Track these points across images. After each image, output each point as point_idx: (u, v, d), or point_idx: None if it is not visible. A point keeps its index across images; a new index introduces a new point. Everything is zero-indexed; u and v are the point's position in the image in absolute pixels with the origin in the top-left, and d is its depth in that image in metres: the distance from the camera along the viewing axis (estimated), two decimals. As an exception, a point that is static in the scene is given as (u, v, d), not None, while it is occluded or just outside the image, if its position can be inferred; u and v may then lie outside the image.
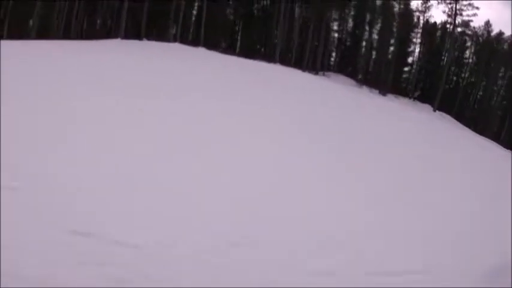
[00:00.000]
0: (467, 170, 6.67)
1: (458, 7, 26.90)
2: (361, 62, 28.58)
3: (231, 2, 28.06)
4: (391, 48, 29.99)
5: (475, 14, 27.52)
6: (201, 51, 19.34)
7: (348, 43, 32.20)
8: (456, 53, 33.28)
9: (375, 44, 31.57)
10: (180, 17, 22.70)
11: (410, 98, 29.16)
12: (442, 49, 31.61)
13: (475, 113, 33.62)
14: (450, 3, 27.27)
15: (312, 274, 2.31)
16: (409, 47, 34.59)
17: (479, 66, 33.05)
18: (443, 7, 28.23)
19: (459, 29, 28.84)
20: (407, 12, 30.98)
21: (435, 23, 34.23)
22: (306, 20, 27.04)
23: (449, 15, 28.05)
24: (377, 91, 24.80)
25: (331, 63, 31.28)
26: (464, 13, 27.53)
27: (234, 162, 4.22)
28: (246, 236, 2.64)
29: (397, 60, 33.34)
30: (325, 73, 25.72)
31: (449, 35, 28.96)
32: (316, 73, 24.53)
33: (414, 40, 34.96)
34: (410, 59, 34.81)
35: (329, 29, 27.64)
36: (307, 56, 25.06)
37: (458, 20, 27.53)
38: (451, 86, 34.11)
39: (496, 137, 31.56)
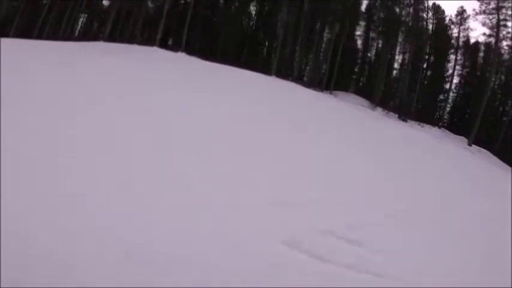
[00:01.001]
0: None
1: (501, 17, 21.99)
2: (378, 81, 24.27)
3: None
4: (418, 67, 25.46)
5: None
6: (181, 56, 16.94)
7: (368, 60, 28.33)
8: (502, 77, 27.85)
9: (395, 64, 27.29)
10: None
11: (439, 126, 24.16)
12: (485, 71, 26.39)
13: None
14: (491, 14, 22.46)
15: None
16: (444, 68, 29.91)
17: None
18: (482, 18, 23.33)
19: (505, 45, 23.64)
20: (441, 28, 26.61)
21: (477, 41, 29.27)
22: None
23: (490, 28, 23.08)
24: (394, 115, 20.46)
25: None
26: (509, 24, 22.38)
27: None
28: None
29: (429, 82, 28.86)
30: (333, 92, 21.90)
31: (492, 53, 23.76)
32: (321, 90, 20.88)
33: (451, 60, 30.35)
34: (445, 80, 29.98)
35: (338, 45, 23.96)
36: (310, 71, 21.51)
37: (503, 33, 22.50)
38: (495, 116, 28.40)
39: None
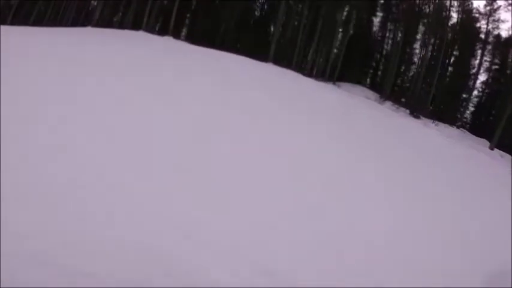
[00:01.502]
0: None
1: None
2: (389, 74, 21.99)
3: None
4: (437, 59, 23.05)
5: None
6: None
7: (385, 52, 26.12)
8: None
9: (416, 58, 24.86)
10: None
11: (457, 126, 21.84)
12: None
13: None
14: None
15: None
16: (470, 64, 27.16)
17: None
18: None
19: None
20: (468, 20, 23.96)
21: (510, 36, 26.26)
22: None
23: None
24: (406, 110, 18.49)
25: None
26: None
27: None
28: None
29: (451, 78, 26.30)
30: (337, 83, 20.09)
31: None
32: (324, 80, 19.23)
33: (478, 56, 27.49)
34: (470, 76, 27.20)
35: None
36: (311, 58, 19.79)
37: None
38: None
39: None
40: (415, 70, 24.68)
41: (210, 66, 9.50)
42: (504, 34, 23.87)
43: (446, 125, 20.81)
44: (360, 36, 26.72)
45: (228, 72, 9.44)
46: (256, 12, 23.83)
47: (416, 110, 18.12)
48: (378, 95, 19.49)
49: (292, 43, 20.28)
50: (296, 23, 20.84)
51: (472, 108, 28.80)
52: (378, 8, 28.20)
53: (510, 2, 20.68)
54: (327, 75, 20.18)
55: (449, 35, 25.18)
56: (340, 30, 25.38)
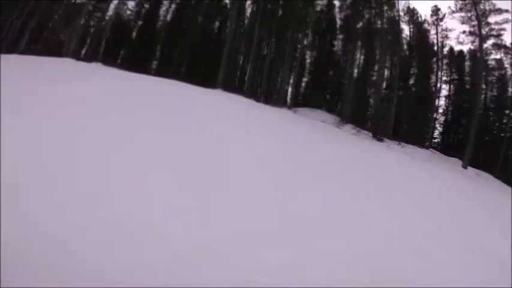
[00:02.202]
0: None
1: (480, 12, 18.89)
2: (346, 96, 20.69)
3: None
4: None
5: (506, 21, 18.96)
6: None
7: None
8: (494, 88, 24.58)
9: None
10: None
11: (426, 147, 20.42)
12: (475, 82, 23.02)
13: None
14: (469, 11, 19.38)
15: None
16: (431, 81, 26.77)
17: None
18: (460, 16, 20.14)
19: (489, 45, 20.23)
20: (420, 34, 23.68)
21: (462, 51, 26.31)
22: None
23: (471, 26, 19.66)
24: (368, 133, 16.79)
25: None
26: (491, 20, 19.20)
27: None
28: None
29: (415, 98, 25.58)
30: (294, 108, 18.36)
31: (478, 54, 20.20)
32: (280, 106, 17.44)
33: (436, 71, 27.24)
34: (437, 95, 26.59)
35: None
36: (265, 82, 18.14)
37: (485, 30, 19.22)
38: (493, 134, 24.74)
39: None
40: (376, 91, 23.69)
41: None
42: (454, 43, 23.33)
43: (414, 147, 19.31)
44: (323, 60, 25.98)
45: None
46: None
47: (379, 133, 16.46)
48: (338, 119, 17.86)
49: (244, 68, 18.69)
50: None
51: (440, 128, 28.04)
52: (338, 31, 27.81)
53: (454, 9, 20.38)
54: (288, 101, 18.50)
55: (406, 51, 24.83)
56: (298, 54, 24.69)
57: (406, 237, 3.61)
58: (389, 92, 22.32)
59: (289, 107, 17.88)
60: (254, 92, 17.99)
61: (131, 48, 22.76)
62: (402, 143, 16.50)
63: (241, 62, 19.87)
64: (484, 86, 25.93)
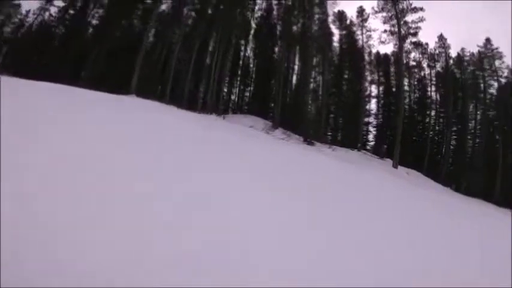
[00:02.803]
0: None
1: (399, 10, 19.94)
2: (276, 100, 20.09)
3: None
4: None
5: (421, 19, 20.21)
6: None
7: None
8: (417, 87, 26.38)
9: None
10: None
11: (358, 149, 20.57)
12: (400, 84, 24.17)
13: (455, 167, 25.18)
14: (389, 9, 20.38)
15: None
16: (362, 85, 27.82)
17: (446, 102, 25.51)
18: (382, 16, 21.07)
19: (408, 44, 21.38)
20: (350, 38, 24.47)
21: (386, 54, 27.86)
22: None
23: (389, 20, 20.64)
24: (300, 138, 16.14)
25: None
26: (409, 19, 20.37)
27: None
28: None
29: (347, 102, 26.22)
30: (225, 115, 17.09)
31: (399, 53, 21.11)
32: (208, 112, 16.02)
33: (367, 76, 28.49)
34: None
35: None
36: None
37: (404, 29, 20.30)
38: (419, 134, 26.28)
39: (488, 195, 23.20)
40: (310, 95, 23.63)
41: None
42: (377, 43, 24.12)
43: (347, 149, 19.27)
44: (264, 67, 25.38)
45: None
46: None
47: (311, 136, 15.91)
48: (270, 124, 16.99)
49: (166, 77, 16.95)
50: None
51: (374, 131, 29.15)
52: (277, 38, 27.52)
53: (377, 9, 21.23)
54: (220, 108, 17.12)
55: (337, 55, 25.44)
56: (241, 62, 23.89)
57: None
58: (323, 97, 22.38)
59: (220, 114, 16.57)
60: (192, 100, 16.38)
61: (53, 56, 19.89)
62: (334, 146, 16.12)
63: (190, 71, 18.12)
64: (407, 88, 27.81)
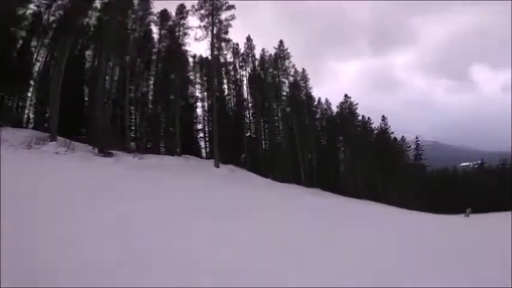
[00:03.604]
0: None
1: (214, 7, 20.47)
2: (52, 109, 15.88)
3: None
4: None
5: (233, 17, 20.77)
6: None
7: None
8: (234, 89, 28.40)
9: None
10: None
11: (178, 154, 19.46)
12: (211, 84, 24.70)
13: (270, 160, 28.43)
14: (208, 8, 20.65)
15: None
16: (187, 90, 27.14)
17: (255, 102, 28.61)
18: (200, 13, 20.96)
19: (222, 43, 22.19)
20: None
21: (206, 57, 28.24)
22: None
23: (207, 16, 20.55)
24: (92, 148, 13.11)
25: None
26: (223, 16, 20.72)
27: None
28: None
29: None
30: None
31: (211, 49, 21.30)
32: None
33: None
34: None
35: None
36: None
37: (217, 26, 20.91)
38: (238, 134, 28.06)
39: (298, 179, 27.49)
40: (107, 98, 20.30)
41: None
42: (192, 41, 23.56)
43: (165, 156, 17.77)
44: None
45: None
46: None
47: (107, 147, 13.17)
48: (47, 135, 13.01)
49: None
50: None
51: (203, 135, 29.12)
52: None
53: (197, 7, 20.81)
54: None
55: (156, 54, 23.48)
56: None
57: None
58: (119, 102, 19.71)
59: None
60: None
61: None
62: (140, 155, 14.05)
63: None
64: (227, 91, 29.39)
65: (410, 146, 43.17)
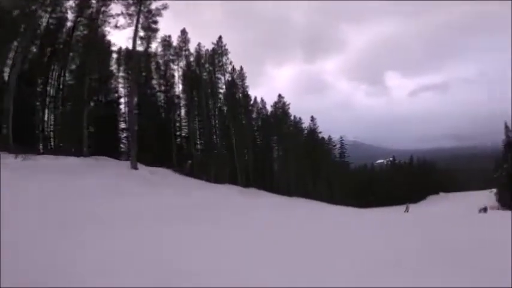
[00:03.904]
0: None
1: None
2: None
3: None
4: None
5: (165, 7, 18.41)
6: None
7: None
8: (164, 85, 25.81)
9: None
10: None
11: (84, 155, 16.46)
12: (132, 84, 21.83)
13: (204, 160, 26.76)
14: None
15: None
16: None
17: (189, 99, 26.60)
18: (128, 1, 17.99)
19: (151, 33, 19.54)
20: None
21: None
22: None
23: (131, 6, 17.80)
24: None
25: None
26: (153, 6, 18.35)
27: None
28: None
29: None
30: None
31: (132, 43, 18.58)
32: None
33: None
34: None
35: None
36: None
37: (145, 14, 18.28)
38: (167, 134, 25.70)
39: (235, 179, 26.34)
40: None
41: None
42: (112, 29, 20.30)
43: (66, 157, 14.69)
44: None
45: None
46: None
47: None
48: None
49: None
50: None
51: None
52: None
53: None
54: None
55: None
56: None
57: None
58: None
59: None
60: None
61: None
62: (24, 155, 11.11)
63: None
64: (157, 87, 26.64)
65: (335, 145, 46.35)
